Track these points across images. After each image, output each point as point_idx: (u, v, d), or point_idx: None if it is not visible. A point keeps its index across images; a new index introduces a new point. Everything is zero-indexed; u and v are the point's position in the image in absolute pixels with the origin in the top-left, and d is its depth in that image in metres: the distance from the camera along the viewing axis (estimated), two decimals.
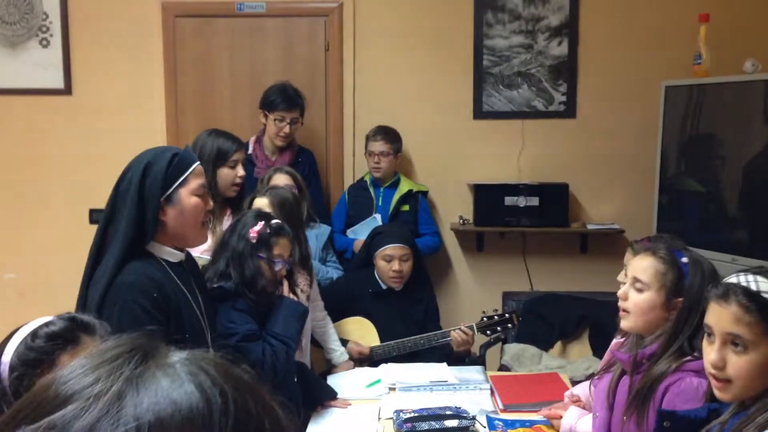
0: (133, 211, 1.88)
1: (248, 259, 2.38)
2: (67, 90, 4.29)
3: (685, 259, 1.91)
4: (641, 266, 1.96)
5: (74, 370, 0.55)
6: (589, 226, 4.09)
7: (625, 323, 1.98)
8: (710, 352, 1.46)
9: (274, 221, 2.48)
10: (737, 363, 1.42)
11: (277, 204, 2.81)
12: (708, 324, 1.49)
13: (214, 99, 4.27)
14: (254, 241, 2.39)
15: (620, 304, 1.98)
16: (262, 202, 2.83)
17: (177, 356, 0.56)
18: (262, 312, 2.44)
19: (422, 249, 3.90)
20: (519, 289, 4.13)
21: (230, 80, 4.26)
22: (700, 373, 1.76)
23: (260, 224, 2.41)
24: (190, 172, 1.96)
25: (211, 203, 2.08)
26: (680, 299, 1.87)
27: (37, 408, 0.53)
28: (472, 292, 4.27)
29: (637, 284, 1.94)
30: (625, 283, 2.02)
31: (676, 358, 1.83)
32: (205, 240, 2.09)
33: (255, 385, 0.57)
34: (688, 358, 1.80)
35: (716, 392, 1.47)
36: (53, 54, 4.26)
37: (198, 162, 2.02)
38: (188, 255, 2.12)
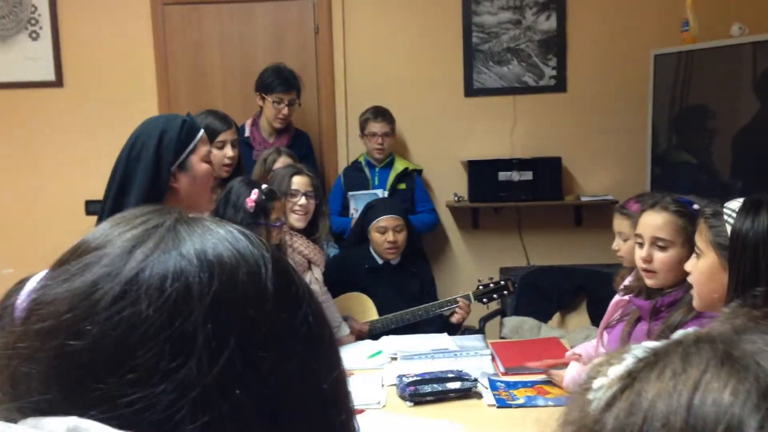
0: (147, 179, 1.87)
1: (249, 229, 2.38)
2: (59, 82, 4.29)
3: (696, 206, 1.93)
4: (656, 224, 1.96)
5: (107, 226, 0.55)
6: (583, 198, 4.11)
7: (652, 282, 1.97)
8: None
9: (264, 186, 2.49)
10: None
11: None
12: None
13: (206, 85, 4.28)
14: (252, 209, 2.39)
15: (644, 266, 1.97)
16: (286, 162, 3.00)
17: None
18: None
19: (419, 226, 3.93)
20: (516, 264, 4.15)
21: (221, 66, 4.27)
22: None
23: (255, 192, 2.41)
24: (199, 139, 1.97)
25: (216, 172, 2.09)
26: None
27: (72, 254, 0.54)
28: (469, 269, 4.29)
29: (659, 243, 1.94)
30: (640, 245, 1.98)
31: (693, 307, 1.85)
32: (212, 206, 2.10)
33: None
34: (696, 314, 1.82)
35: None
36: (43, 47, 4.26)
37: (203, 130, 2.03)
38: None
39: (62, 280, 0.51)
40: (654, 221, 1.95)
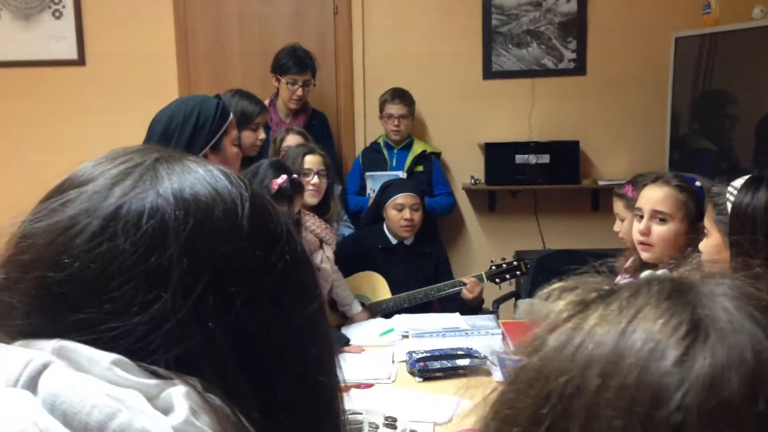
0: None
1: None
2: (81, 61, 4.34)
3: (698, 183, 1.93)
4: (657, 197, 1.96)
5: (92, 164, 0.57)
6: (601, 183, 4.09)
7: (648, 255, 1.98)
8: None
9: (294, 176, 2.51)
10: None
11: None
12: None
13: (226, 65, 4.31)
14: (274, 192, 2.40)
15: (641, 239, 1.98)
16: (295, 140, 3.05)
17: None
18: None
19: (437, 209, 3.95)
20: (531, 248, 4.15)
21: (240, 46, 4.30)
22: None
23: (283, 177, 2.42)
24: (230, 122, 1.99)
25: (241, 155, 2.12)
26: (702, 223, 1.89)
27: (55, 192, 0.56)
28: (485, 252, 4.29)
29: (659, 216, 1.95)
30: (639, 218, 2.00)
31: None
32: None
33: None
34: None
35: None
36: (66, 25, 4.31)
37: (231, 114, 2.06)
38: None
39: (44, 215, 0.54)
40: (655, 194, 1.96)
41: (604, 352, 0.43)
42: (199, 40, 4.29)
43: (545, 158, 4.03)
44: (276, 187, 2.40)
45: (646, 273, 0.44)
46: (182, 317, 0.49)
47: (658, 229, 1.94)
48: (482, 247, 4.35)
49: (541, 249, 4.20)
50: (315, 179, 2.84)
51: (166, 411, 0.45)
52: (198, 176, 0.55)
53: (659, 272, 0.50)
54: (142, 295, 0.49)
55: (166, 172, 0.54)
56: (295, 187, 2.46)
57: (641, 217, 1.99)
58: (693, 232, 1.91)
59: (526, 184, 4.09)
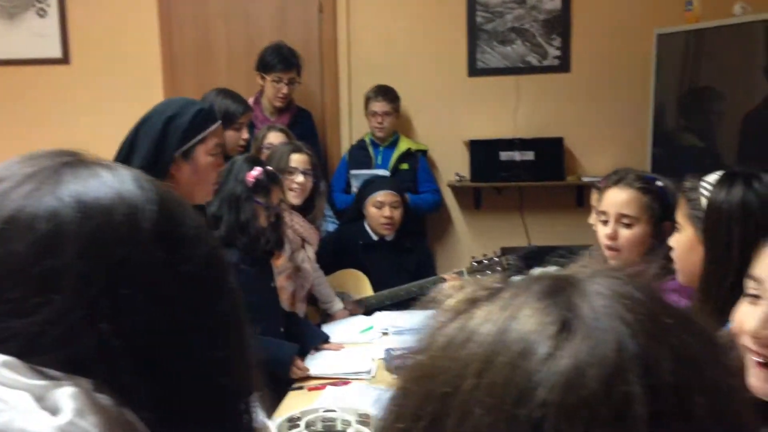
0: (148, 160, 1.86)
1: (245, 203, 2.40)
2: (65, 59, 4.34)
3: (660, 183, 1.94)
4: (622, 201, 1.95)
5: (17, 159, 0.57)
6: (585, 179, 4.10)
7: (616, 260, 1.98)
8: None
9: (269, 168, 2.52)
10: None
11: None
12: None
13: (211, 63, 4.31)
14: (251, 185, 2.41)
15: (608, 243, 1.96)
16: (277, 137, 3.07)
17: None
18: (257, 259, 2.47)
19: (422, 206, 3.96)
20: (517, 244, 4.15)
21: (226, 44, 4.30)
22: (680, 291, 1.80)
23: (258, 169, 2.43)
24: (211, 131, 1.94)
25: (223, 164, 2.09)
26: (668, 222, 1.89)
27: None
28: (471, 249, 4.29)
29: (624, 219, 1.94)
30: (604, 222, 2.00)
31: (656, 279, 1.85)
32: (210, 198, 2.11)
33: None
34: (670, 277, 1.83)
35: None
36: (50, 24, 4.31)
37: (219, 122, 2.00)
38: (201, 211, 2.15)
39: None
40: (619, 198, 1.94)
41: (481, 351, 0.44)
42: (184, 37, 4.29)
43: (530, 155, 4.04)
44: (252, 179, 2.41)
45: (535, 270, 0.45)
46: (75, 319, 0.50)
47: (626, 233, 1.92)
48: (468, 243, 4.36)
49: (527, 245, 4.21)
50: (300, 178, 2.84)
51: (54, 411, 0.45)
52: (103, 181, 0.55)
53: (548, 269, 0.51)
54: (35, 297, 0.50)
55: (71, 176, 0.55)
56: (271, 178, 2.47)
57: (605, 221, 1.97)
58: (658, 232, 1.91)
59: (510, 181, 4.10)
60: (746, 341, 1.07)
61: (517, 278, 0.50)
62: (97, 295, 0.51)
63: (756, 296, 1.08)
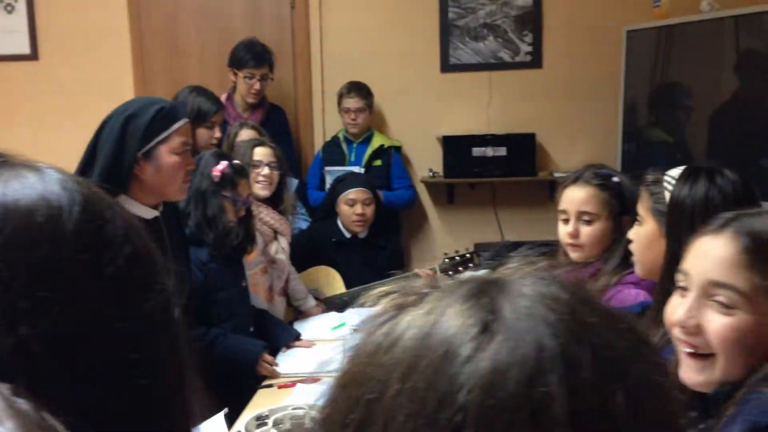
0: (109, 162, 1.84)
1: (211, 198, 2.39)
2: (34, 56, 4.28)
3: (616, 179, 1.97)
4: (581, 198, 1.98)
5: None
6: (557, 175, 4.12)
7: (577, 255, 2.00)
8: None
9: (235, 161, 2.51)
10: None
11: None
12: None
13: (182, 59, 4.27)
14: (217, 179, 2.41)
15: (570, 241, 1.98)
16: (249, 134, 3.05)
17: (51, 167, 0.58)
18: (226, 257, 2.46)
19: (396, 202, 3.96)
20: (490, 240, 4.18)
21: (197, 40, 4.27)
22: (639, 284, 1.83)
23: (224, 163, 2.43)
24: (174, 130, 1.91)
25: (193, 163, 2.05)
26: (627, 217, 1.91)
27: None
28: (445, 244, 4.31)
29: (585, 216, 1.96)
30: (565, 221, 2.00)
31: (615, 273, 1.88)
32: (185, 195, 2.10)
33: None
34: (628, 270, 1.85)
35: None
36: (18, 19, 4.24)
37: (186, 119, 1.97)
38: (172, 212, 2.13)
39: None
40: (578, 195, 1.97)
41: (405, 356, 0.44)
42: (154, 32, 4.25)
43: (502, 151, 4.06)
44: (218, 173, 2.40)
45: (465, 273, 0.45)
46: None
47: (586, 230, 1.95)
48: (442, 239, 4.37)
49: (500, 240, 4.24)
50: (265, 170, 2.83)
51: None
52: (26, 182, 0.55)
53: (479, 272, 0.51)
54: None
55: None
56: (237, 171, 2.46)
57: (566, 220, 2.00)
58: (617, 227, 1.94)
59: (483, 177, 4.12)
60: (675, 332, 1.12)
61: (446, 282, 0.50)
62: (17, 298, 0.50)
63: (684, 288, 1.13)
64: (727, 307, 1.05)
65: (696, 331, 1.09)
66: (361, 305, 0.51)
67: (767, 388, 0.99)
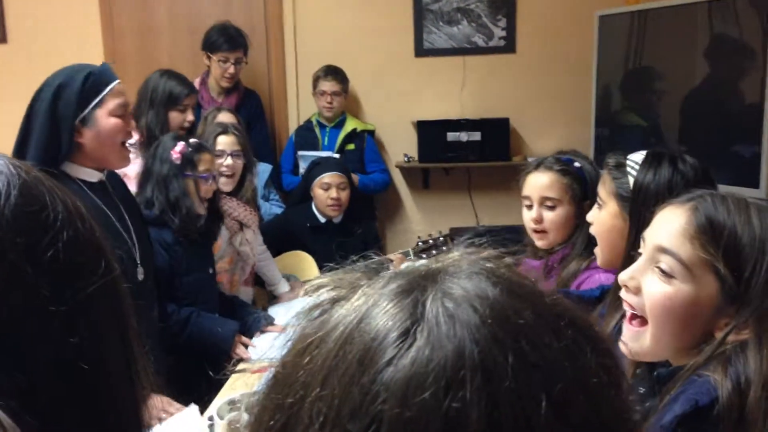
0: (45, 133, 1.83)
1: (173, 181, 2.37)
2: (2, 38, 4.21)
3: (577, 164, 1.98)
4: (543, 184, 2.00)
5: None
6: (530, 159, 4.14)
7: (543, 242, 2.02)
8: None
9: (192, 140, 2.49)
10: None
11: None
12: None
13: (153, 43, 4.22)
14: (178, 161, 2.38)
15: (534, 227, 2.01)
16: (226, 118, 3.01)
17: None
18: (192, 241, 2.43)
19: (371, 186, 3.96)
20: (465, 224, 4.20)
21: (168, 24, 4.22)
22: (608, 269, 1.85)
23: (181, 144, 2.41)
24: (108, 92, 1.90)
25: (133, 123, 2.05)
26: (588, 202, 1.93)
27: None
28: (420, 229, 4.32)
29: (547, 202, 1.99)
30: (528, 207, 2.02)
31: (584, 258, 1.90)
32: (128, 162, 2.07)
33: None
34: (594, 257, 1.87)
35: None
36: None
37: (117, 81, 1.95)
38: (116, 177, 2.12)
39: None
40: (540, 181, 1.99)
41: (328, 359, 0.42)
42: (124, 15, 4.19)
43: (476, 135, 4.06)
44: (177, 155, 2.38)
45: (404, 265, 0.44)
46: None
47: (550, 215, 1.98)
48: (417, 224, 4.38)
49: (475, 225, 4.26)
50: (228, 160, 2.79)
51: None
52: None
53: (421, 263, 0.49)
54: None
55: None
56: (197, 149, 2.43)
57: (530, 206, 2.01)
58: (580, 212, 1.96)
59: (458, 162, 4.13)
60: (622, 293, 1.15)
61: (382, 274, 0.47)
62: None
63: (641, 254, 1.16)
64: (666, 275, 1.08)
65: (636, 291, 1.12)
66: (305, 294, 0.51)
67: (708, 373, 1.01)
